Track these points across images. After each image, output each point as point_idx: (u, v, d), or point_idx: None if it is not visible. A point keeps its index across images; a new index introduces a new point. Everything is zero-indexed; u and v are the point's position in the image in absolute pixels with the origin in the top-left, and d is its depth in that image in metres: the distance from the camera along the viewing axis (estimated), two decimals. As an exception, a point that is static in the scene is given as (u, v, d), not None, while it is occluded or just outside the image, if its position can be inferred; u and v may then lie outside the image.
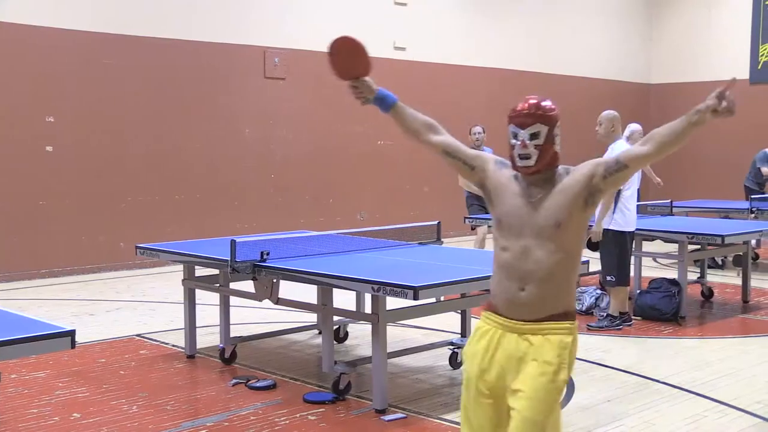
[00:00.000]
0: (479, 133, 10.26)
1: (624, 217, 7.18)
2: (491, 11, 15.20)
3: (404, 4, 13.88)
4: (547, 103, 3.05)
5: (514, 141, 3.03)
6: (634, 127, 9.37)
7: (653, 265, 10.67)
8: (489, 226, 8.43)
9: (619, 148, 7.15)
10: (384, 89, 3.54)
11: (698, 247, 8.38)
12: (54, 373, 5.95)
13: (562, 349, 2.95)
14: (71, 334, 3.44)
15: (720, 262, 10.84)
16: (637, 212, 7.62)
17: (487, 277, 5.16)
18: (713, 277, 9.71)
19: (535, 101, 3.04)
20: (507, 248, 3.02)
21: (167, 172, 11.21)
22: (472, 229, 10.12)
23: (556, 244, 2.96)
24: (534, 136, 2.99)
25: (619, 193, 7.12)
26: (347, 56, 3.57)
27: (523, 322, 2.98)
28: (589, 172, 2.99)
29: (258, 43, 12.13)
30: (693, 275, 8.98)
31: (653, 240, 8.50)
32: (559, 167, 3.06)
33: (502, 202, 3.07)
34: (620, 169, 2.98)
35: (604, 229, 7.18)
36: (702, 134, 8.63)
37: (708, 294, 8.83)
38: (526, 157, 2.98)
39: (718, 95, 3.04)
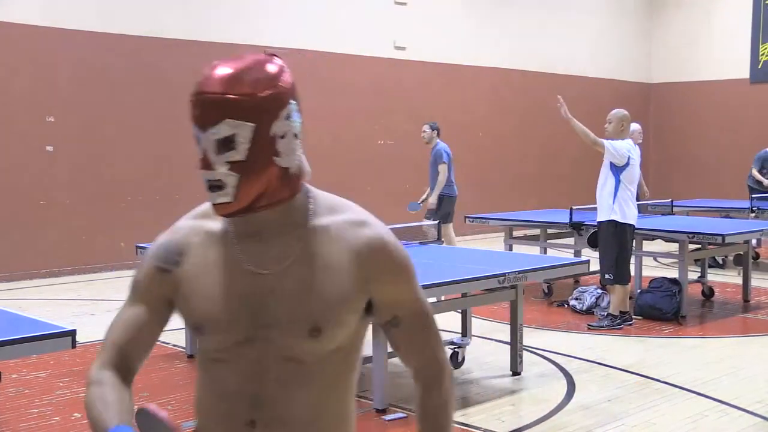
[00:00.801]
0: (425, 131, 10.27)
1: (622, 209, 7.11)
2: (491, 10, 15.20)
3: (404, 4, 13.87)
4: (254, 73, 1.61)
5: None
6: (634, 126, 9.37)
7: (654, 264, 10.67)
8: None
9: (621, 147, 7.15)
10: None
11: (699, 246, 8.38)
12: (55, 373, 5.95)
13: None
14: (72, 333, 3.45)
15: (721, 262, 10.84)
16: (639, 212, 7.62)
17: (489, 277, 5.20)
18: (714, 277, 9.70)
19: (229, 71, 1.62)
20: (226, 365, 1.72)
21: (168, 172, 11.20)
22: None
23: (315, 370, 1.68)
24: (225, 144, 1.57)
25: (619, 183, 7.06)
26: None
27: None
28: (364, 266, 1.66)
29: (258, 43, 12.12)
30: (694, 274, 8.98)
31: (654, 239, 8.50)
32: (312, 196, 1.71)
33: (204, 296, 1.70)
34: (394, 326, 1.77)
35: (604, 222, 7.13)
36: (702, 133, 8.53)
37: (709, 293, 8.82)
38: (217, 186, 1.60)
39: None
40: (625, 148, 7.08)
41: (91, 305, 8.64)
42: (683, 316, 7.63)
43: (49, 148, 10.39)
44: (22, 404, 5.24)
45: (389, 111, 13.66)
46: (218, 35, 11.72)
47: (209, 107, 1.57)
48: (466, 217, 9.77)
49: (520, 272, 5.26)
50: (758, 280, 9.56)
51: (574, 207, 8.59)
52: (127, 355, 1.81)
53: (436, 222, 6.78)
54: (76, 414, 5.05)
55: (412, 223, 7.13)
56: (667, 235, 8.12)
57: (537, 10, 15.95)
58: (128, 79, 10.98)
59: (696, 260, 9.10)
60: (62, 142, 10.46)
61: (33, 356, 5.79)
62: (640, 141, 8.86)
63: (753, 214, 10.38)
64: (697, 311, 8.27)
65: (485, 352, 6.52)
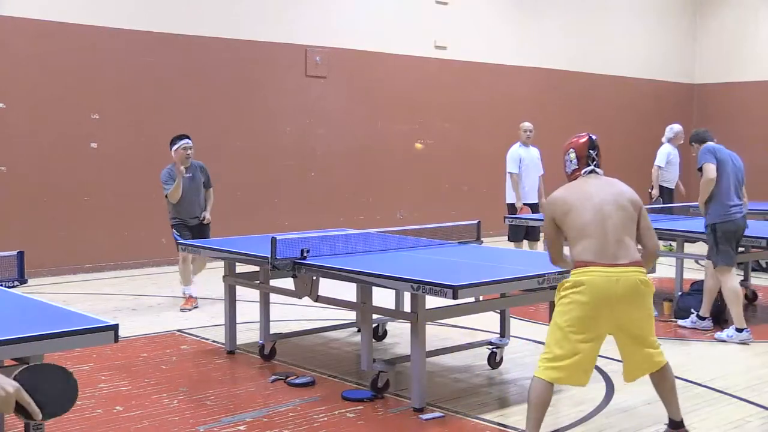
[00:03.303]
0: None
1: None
2: (532, 10, 15.10)
3: (445, 3, 13.85)
4: None
5: None
6: (677, 128, 9.29)
7: (695, 267, 10.53)
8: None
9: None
10: None
11: (742, 249, 8.25)
12: (97, 367, 6.04)
13: None
14: (114, 328, 3.49)
15: (765, 265, 10.67)
16: (679, 214, 7.52)
17: (527, 278, 5.17)
18: (757, 280, 9.56)
19: None
20: None
21: (208, 169, 11.30)
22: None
23: None
24: None
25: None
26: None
27: None
28: None
29: (299, 42, 12.20)
30: (737, 278, 8.84)
31: (695, 242, 8.39)
32: None
33: None
34: None
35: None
36: (748, 134, 8.39)
37: (752, 297, 8.70)
38: None
39: None
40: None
41: (132, 300, 8.75)
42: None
43: (94, 145, 10.56)
44: (66, 397, 5.32)
45: (429, 110, 13.65)
46: (260, 34, 11.80)
47: None
48: (505, 217, 9.73)
49: (559, 273, 5.22)
50: (804, 285, 9.38)
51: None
52: None
53: (476, 221, 6.75)
54: (118, 407, 5.13)
55: (451, 223, 7.11)
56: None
57: (578, 10, 15.81)
58: (171, 77, 11.11)
59: (739, 263, 8.96)
60: (107, 139, 10.62)
61: (76, 350, 5.88)
62: (681, 142, 8.76)
63: (799, 217, 10.19)
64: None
65: (524, 352, 6.49)
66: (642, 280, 4.12)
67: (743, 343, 6.83)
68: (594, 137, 4.53)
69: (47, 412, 2.02)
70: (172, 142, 8.42)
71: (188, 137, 8.51)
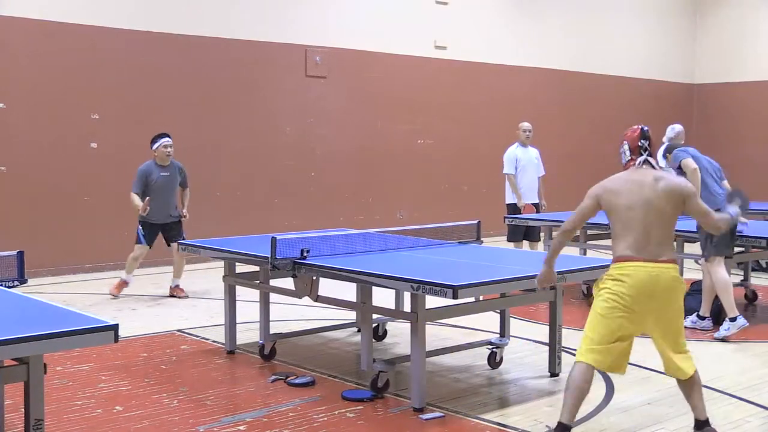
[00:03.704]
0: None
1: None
2: (532, 10, 15.10)
3: (445, 3, 13.85)
4: None
5: None
6: (678, 128, 9.26)
7: (695, 267, 10.51)
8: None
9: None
10: None
11: (742, 249, 8.25)
12: (97, 367, 6.04)
13: None
14: (114, 328, 3.50)
15: (765, 265, 10.67)
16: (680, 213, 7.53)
17: (527, 277, 5.17)
18: (757, 280, 9.56)
19: None
20: None
21: (207, 169, 11.31)
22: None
23: None
24: None
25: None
26: None
27: None
28: None
29: (299, 42, 12.20)
30: (736, 278, 8.85)
31: (695, 242, 8.38)
32: None
33: None
34: None
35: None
36: (747, 135, 8.37)
37: (752, 297, 8.70)
38: None
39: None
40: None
41: (132, 300, 8.76)
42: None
43: (94, 145, 10.56)
44: (66, 396, 5.33)
45: (429, 110, 13.65)
46: (260, 34, 11.80)
47: None
48: (505, 217, 9.73)
49: (559, 273, 5.22)
50: (803, 285, 9.38)
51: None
52: None
53: (476, 221, 6.74)
54: (118, 407, 5.13)
55: (451, 223, 7.11)
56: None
57: (578, 10, 15.81)
58: (170, 77, 11.11)
59: (739, 263, 8.96)
60: (106, 139, 10.62)
61: (76, 349, 5.88)
62: (682, 142, 8.76)
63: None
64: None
65: (523, 352, 6.49)
66: (676, 277, 4.38)
67: (741, 329, 6.90)
68: (646, 128, 4.71)
69: None
70: (153, 140, 8.88)
71: (168, 135, 8.89)
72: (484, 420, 4.91)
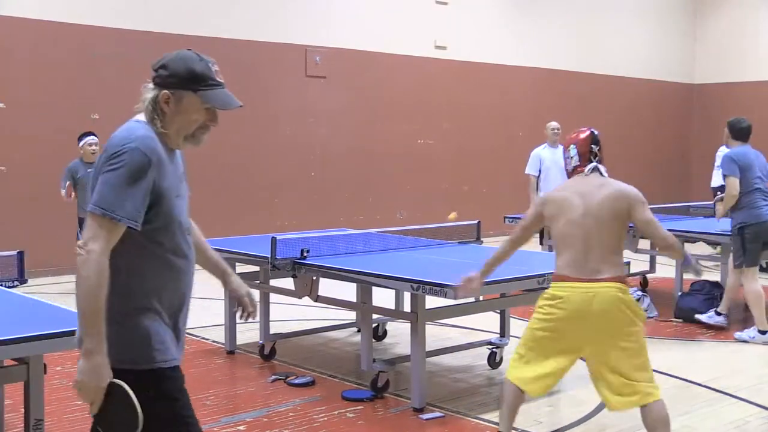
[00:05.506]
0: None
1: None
2: (532, 10, 15.11)
3: (445, 3, 13.85)
4: None
5: None
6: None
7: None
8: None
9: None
10: None
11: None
12: (97, 367, 6.03)
13: None
14: (115, 328, 3.49)
15: (765, 265, 10.64)
16: (679, 214, 7.52)
17: (527, 278, 5.16)
18: (760, 281, 9.52)
19: None
20: None
21: (207, 170, 11.30)
22: None
23: None
24: None
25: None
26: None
27: None
28: None
29: (299, 42, 12.20)
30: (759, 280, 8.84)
31: (696, 242, 8.39)
32: None
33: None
34: None
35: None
36: (754, 135, 8.24)
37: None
38: None
39: None
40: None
41: (132, 300, 8.74)
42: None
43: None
44: (66, 396, 5.33)
45: (429, 110, 13.65)
46: (260, 34, 11.80)
47: None
48: (505, 218, 9.73)
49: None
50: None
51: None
52: None
53: (476, 221, 6.74)
54: (117, 407, 5.12)
55: (452, 223, 7.11)
56: (710, 238, 8.00)
57: (578, 10, 15.81)
58: (171, 78, 11.10)
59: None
60: (107, 139, 10.59)
61: (76, 349, 5.88)
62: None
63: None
64: (740, 315, 8.13)
65: (523, 352, 6.49)
66: (618, 297, 3.85)
67: (766, 344, 6.82)
68: (596, 132, 4.38)
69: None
70: (79, 139, 8.98)
71: (94, 134, 8.95)
72: (484, 420, 4.91)
